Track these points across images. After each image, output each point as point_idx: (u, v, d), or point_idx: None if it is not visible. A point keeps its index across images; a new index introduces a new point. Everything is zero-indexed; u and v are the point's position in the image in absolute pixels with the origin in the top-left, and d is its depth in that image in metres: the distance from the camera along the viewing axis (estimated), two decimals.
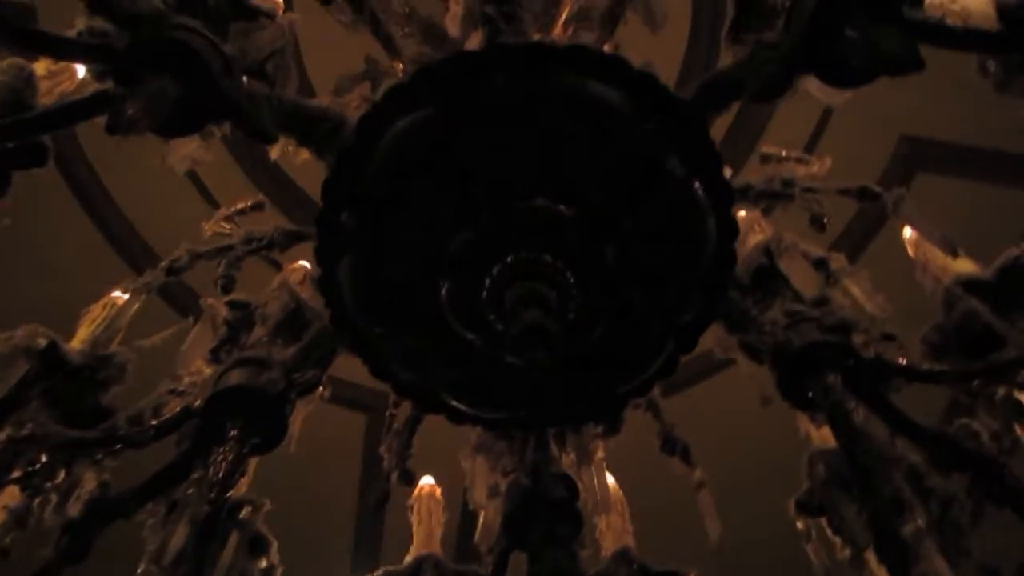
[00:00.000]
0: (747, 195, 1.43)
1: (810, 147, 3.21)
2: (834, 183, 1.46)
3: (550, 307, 1.04)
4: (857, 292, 1.45)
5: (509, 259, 1.06)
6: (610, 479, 1.87)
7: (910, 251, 1.63)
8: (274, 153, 1.22)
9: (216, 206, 1.96)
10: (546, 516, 1.43)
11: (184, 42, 1.05)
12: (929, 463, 1.39)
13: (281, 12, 1.26)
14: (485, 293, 1.08)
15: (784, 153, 1.50)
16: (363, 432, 3.50)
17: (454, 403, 1.26)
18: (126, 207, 3.11)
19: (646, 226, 1.14)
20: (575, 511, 1.45)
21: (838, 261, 1.52)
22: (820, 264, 1.53)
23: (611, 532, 1.80)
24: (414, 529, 1.73)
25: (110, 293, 1.53)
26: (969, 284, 1.37)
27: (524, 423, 1.33)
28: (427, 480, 1.81)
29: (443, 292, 1.12)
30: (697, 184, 1.15)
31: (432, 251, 1.10)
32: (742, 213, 1.68)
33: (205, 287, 1.51)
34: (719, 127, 3.38)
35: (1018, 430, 1.37)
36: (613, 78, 1.10)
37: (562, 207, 1.08)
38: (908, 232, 1.66)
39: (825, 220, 1.43)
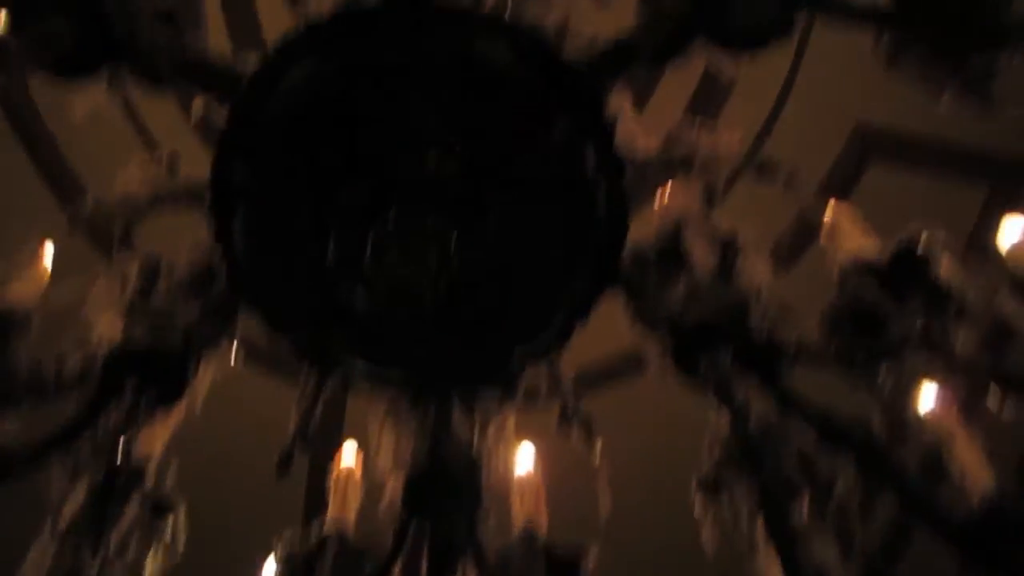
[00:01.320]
0: (645, 169, 1.45)
1: (765, 132, 3.26)
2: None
3: (426, 265, 1.06)
4: (760, 269, 1.48)
5: (391, 214, 1.09)
6: (528, 456, 1.89)
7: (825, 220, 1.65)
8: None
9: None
10: (444, 487, 1.45)
11: None
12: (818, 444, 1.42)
13: None
14: (370, 248, 1.11)
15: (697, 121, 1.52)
16: None
17: (346, 359, 1.28)
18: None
19: (533, 190, 1.16)
20: (475, 483, 1.46)
21: (746, 237, 1.55)
22: (728, 240, 1.56)
23: (522, 510, 1.82)
24: (329, 499, 1.74)
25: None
26: (864, 265, 1.41)
27: (413, 383, 1.35)
28: (347, 447, 1.82)
29: (330, 247, 1.14)
30: (588, 151, 1.18)
31: (321, 204, 1.13)
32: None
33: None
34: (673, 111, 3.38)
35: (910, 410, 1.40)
36: (505, 41, 1.13)
37: (447, 165, 1.11)
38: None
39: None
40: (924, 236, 1.39)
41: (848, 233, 1.58)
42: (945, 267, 1.35)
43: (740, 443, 1.44)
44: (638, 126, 1.57)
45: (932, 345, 1.30)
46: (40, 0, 1.06)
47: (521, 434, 1.69)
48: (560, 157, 1.16)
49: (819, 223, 1.46)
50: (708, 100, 3.15)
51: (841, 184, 3.28)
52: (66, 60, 1.06)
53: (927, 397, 1.52)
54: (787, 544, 1.43)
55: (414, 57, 1.10)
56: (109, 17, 1.08)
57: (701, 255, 1.44)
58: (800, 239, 2.68)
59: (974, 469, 1.50)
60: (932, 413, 1.55)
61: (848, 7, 1.13)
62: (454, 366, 1.32)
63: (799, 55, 3.16)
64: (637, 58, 1.20)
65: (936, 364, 1.30)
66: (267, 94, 1.11)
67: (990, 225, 3.56)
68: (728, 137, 1.50)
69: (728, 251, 1.54)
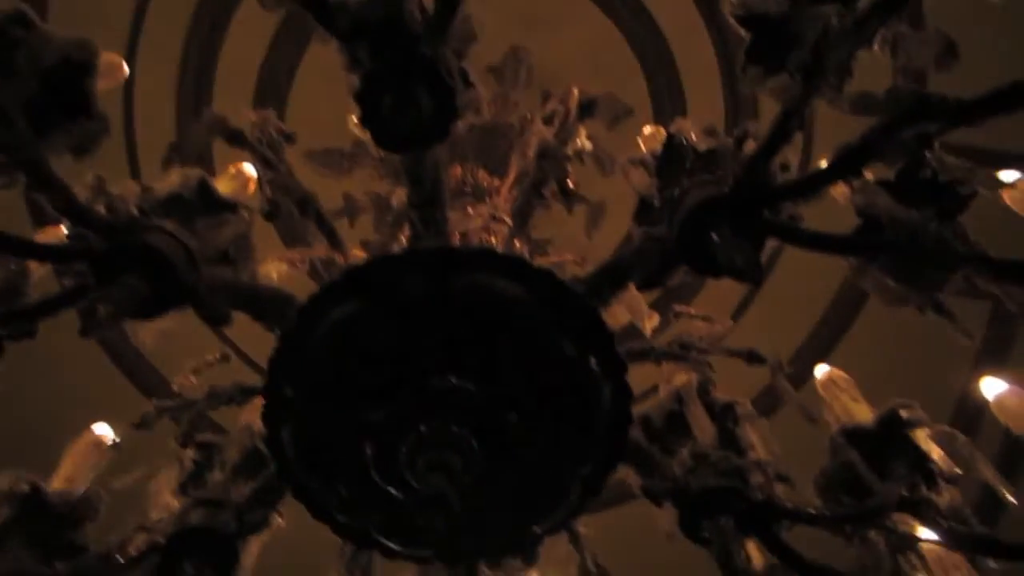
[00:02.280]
0: (648, 356, 1.61)
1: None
2: (728, 346, 1.65)
3: (454, 472, 1.22)
4: (755, 438, 1.63)
5: (421, 428, 1.25)
6: None
7: (821, 391, 1.80)
8: None
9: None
10: None
11: (153, 245, 1.26)
12: None
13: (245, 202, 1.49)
14: (402, 457, 1.27)
15: (692, 311, 1.70)
16: None
17: (383, 541, 1.43)
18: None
19: (545, 397, 1.33)
20: None
21: (743, 407, 1.70)
22: (727, 409, 1.71)
23: None
24: None
25: (92, 430, 1.71)
26: (851, 433, 1.55)
27: (446, 559, 1.50)
28: None
29: (368, 454, 1.31)
30: (592, 359, 1.35)
31: (359, 420, 1.30)
32: None
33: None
34: None
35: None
36: (514, 275, 1.30)
37: (468, 384, 1.28)
38: (820, 373, 1.84)
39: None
40: (907, 408, 1.54)
41: (838, 399, 1.73)
42: (925, 436, 1.49)
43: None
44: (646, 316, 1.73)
45: (916, 509, 1.43)
46: (117, 260, 1.24)
47: None
48: (566, 368, 1.32)
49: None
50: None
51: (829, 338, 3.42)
52: (141, 308, 1.24)
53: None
54: None
55: (440, 293, 1.27)
56: (175, 268, 1.26)
57: (702, 425, 1.59)
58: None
59: None
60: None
61: (814, 239, 1.29)
62: (478, 544, 1.46)
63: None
64: (630, 278, 1.37)
65: (922, 526, 1.42)
66: (311, 326, 1.29)
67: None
68: (720, 326, 1.67)
69: (727, 420, 1.70)
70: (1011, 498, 1.43)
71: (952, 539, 1.39)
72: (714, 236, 1.29)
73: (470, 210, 1.93)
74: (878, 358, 3.24)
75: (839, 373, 1.80)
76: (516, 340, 1.31)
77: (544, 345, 1.32)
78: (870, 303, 3.36)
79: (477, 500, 1.39)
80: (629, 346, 1.50)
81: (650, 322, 1.67)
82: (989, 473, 1.50)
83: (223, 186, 1.60)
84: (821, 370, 1.84)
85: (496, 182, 2.44)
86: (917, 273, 1.30)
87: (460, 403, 1.28)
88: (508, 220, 1.89)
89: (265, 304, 1.36)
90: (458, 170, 2.50)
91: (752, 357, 1.69)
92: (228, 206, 1.42)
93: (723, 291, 3.44)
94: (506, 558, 1.54)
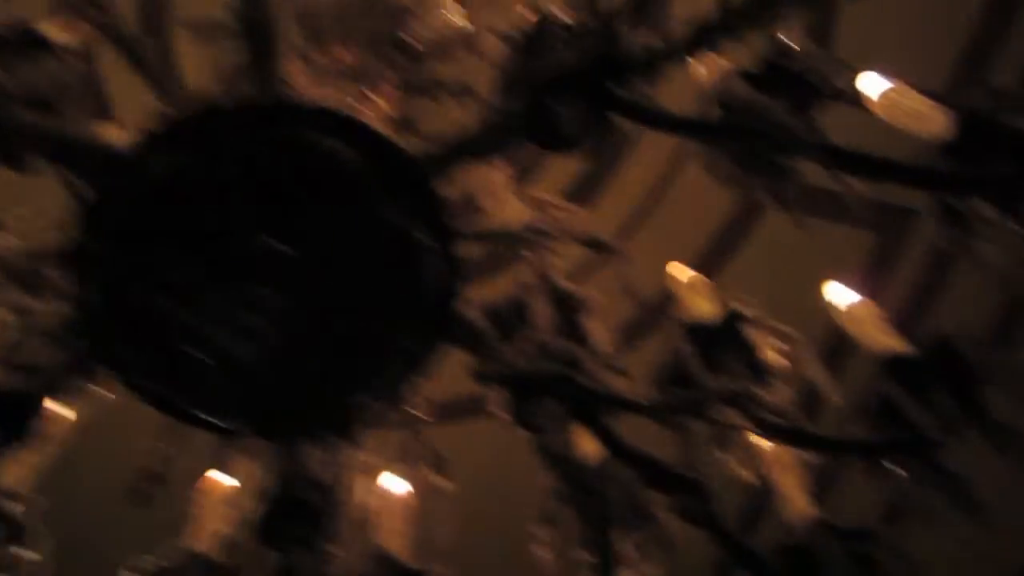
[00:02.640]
0: (490, 237, 1.56)
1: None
2: (577, 232, 1.61)
3: (257, 336, 1.15)
4: (596, 329, 1.60)
5: (229, 289, 1.18)
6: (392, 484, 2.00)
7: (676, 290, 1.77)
8: None
9: None
10: (293, 519, 1.55)
11: None
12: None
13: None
14: (210, 318, 1.19)
15: (550, 199, 1.64)
16: None
17: (195, 413, 1.36)
18: None
19: (368, 266, 1.26)
20: (322, 515, 1.56)
21: (589, 297, 1.67)
22: (571, 299, 1.68)
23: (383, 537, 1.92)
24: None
25: None
26: (692, 328, 1.54)
27: (261, 432, 1.44)
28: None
29: (178, 315, 1.22)
30: (420, 230, 1.28)
31: (169, 278, 1.21)
32: None
33: None
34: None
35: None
36: (344, 134, 1.22)
37: (283, 245, 1.20)
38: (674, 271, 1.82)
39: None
40: (743, 306, 1.53)
41: (692, 298, 1.71)
42: (760, 334, 1.49)
43: (570, 485, 1.57)
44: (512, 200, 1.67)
45: (741, 404, 1.44)
46: None
47: (388, 463, 1.81)
48: (393, 237, 1.26)
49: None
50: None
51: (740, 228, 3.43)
52: None
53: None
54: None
55: (263, 148, 1.18)
56: None
57: (542, 312, 1.55)
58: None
59: (796, 501, 1.66)
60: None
61: (659, 119, 1.24)
62: (295, 418, 1.41)
63: None
64: (471, 151, 1.30)
65: (745, 422, 1.43)
66: (127, 178, 1.19)
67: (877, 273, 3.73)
68: (580, 215, 1.62)
69: (571, 309, 1.67)
70: (836, 397, 1.45)
71: (767, 430, 1.40)
72: (556, 108, 1.22)
73: (342, 89, 1.80)
74: (768, 279, 3.28)
75: (694, 274, 1.79)
76: (341, 203, 1.23)
77: (371, 211, 1.25)
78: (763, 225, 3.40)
79: (291, 370, 1.33)
80: (468, 224, 1.44)
81: (510, 206, 1.62)
82: (818, 374, 1.51)
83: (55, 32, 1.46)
84: (675, 268, 1.82)
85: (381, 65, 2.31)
86: (763, 161, 1.26)
87: (275, 265, 1.20)
88: (383, 103, 1.77)
89: (81, 156, 1.24)
90: (340, 49, 2.37)
91: (597, 245, 1.66)
92: (50, 48, 1.29)
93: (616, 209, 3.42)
94: (326, 435, 1.49)
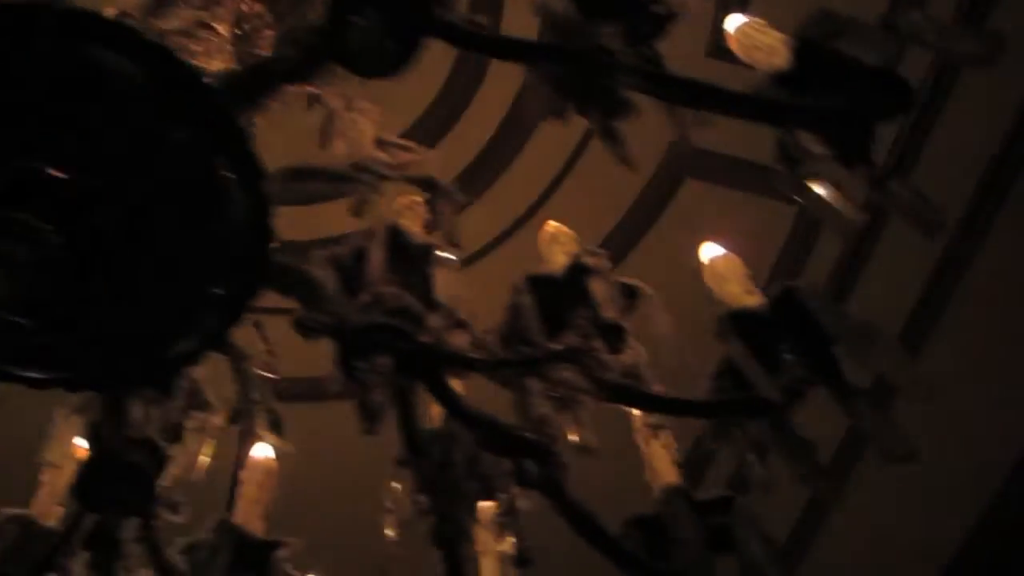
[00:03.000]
0: (318, 178, 1.46)
1: (577, 153, 3.29)
2: (409, 172, 1.51)
3: (16, 267, 1.05)
4: (445, 283, 1.51)
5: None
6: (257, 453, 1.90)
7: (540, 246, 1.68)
8: None
9: None
10: (113, 481, 1.45)
11: None
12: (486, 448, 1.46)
13: None
14: None
15: (396, 139, 1.54)
16: None
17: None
18: None
19: (162, 202, 1.16)
20: (147, 477, 1.46)
21: (443, 252, 1.58)
22: (422, 251, 1.58)
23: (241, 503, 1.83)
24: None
25: None
26: (536, 280, 1.45)
27: (68, 386, 1.33)
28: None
29: None
30: (223, 163, 1.18)
31: None
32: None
33: None
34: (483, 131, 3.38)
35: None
36: (129, 49, 1.11)
37: (61, 172, 1.09)
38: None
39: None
40: (591, 257, 1.44)
41: (554, 252, 1.62)
42: (605, 290, 1.40)
43: (408, 446, 1.48)
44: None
45: (581, 361, 1.35)
46: None
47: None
48: (190, 170, 1.15)
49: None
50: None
51: (655, 199, 3.34)
52: None
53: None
54: (453, 544, 1.48)
55: (38, 61, 1.08)
56: None
57: (377, 263, 1.45)
58: None
59: (661, 471, 1.58)
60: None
61: (472, 40, 1.15)
62: (103, 370, 1.30)
63: None
64: (274, 80, 1.20)
65: (582, 382, 1.34)
66: None
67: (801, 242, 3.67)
68: (415, 154, 1.52)
69: (420, 262, 1.57)
70: (674, 356, 1.37)
71: (604, 389, 1.31)
72: (361, 25, 1.13)
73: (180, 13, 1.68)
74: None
75: (562, 228, 1.70)
76: (131, 130, 1.13)
77: (164, 140, 1.14)
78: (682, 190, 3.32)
79: (86, 319, 1.22)
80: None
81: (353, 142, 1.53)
82: (664, 330, 1.43)
83: None
84: (550, 226, 1.74)
85: None
86: (589, 89, 1.17)
87: (43, 191, 1.09)
88: (223, 31, 1.67)
89: None
90: None
91: (429, 185, 1.56)
92: None
93: (535, 170, 3.34)
94: (140, 388, 1.39)
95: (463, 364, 1.37)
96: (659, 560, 1.46)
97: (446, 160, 3.23)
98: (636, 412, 1.62)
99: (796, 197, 1.18)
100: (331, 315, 1.38)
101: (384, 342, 1.37)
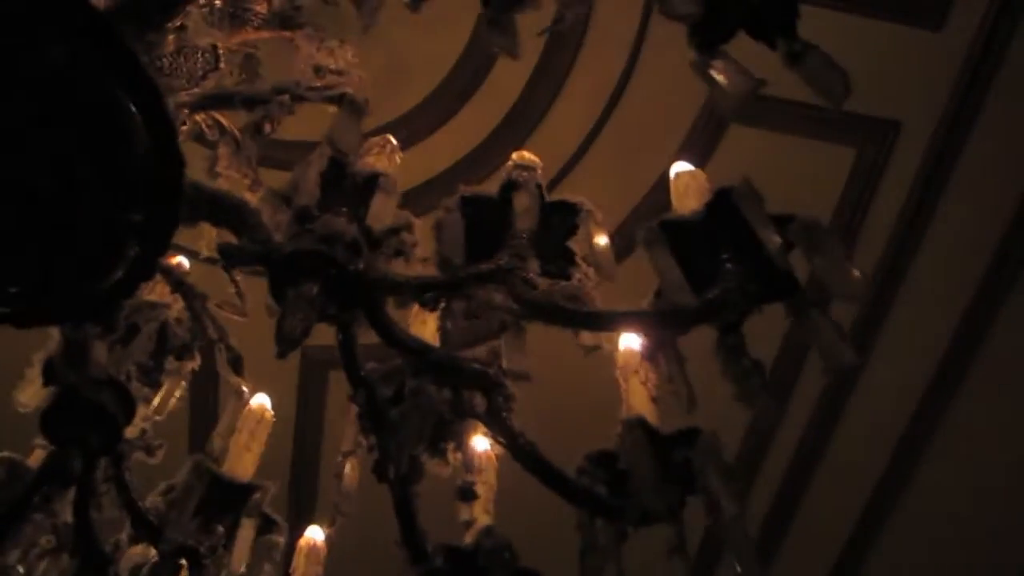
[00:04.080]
0: (228, 102, 1.43)
1: (617, 94, 3.17)
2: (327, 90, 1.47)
3: None
4: (385, 209, 1.46)
5: None
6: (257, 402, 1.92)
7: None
8: None
9: None
10: (77, 418, 1.48)
11: None
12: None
13: None
14: None
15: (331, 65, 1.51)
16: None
17: None
18: None
19: (56, 130, 1.16)
20: (110, 419, 1.48)
21: (387, 180, 1.53)
22: (369, 180, 1.54)
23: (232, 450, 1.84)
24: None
25: None
26: (465, 199, 1.38)
27: (4, 320, 1.36)
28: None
29: None
30: (118, 89, 1.17)
31: None
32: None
33: None
34: (520, 73, 3.32)
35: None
36: None
37: None
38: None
39: (268, 126, 1.43)
40: (524, 172, 1.36)
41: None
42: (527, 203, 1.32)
43: (351, 380, 1.44)
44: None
45: (507, 281, 1.27)
46: None
47: None
48: (82, 95, 1.15)
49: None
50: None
51: (703, 140, 3.18)
52: None
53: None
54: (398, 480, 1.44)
55: None
56: None
57: (309, 187, 1.42)
58: None
59: (636, 405, 1.49)
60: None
61: None
62: (46, 305, 1.33)
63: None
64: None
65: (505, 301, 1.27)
66: None
67: (858, 186, 3.47)
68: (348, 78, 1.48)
69: (366, 189, 1.53)
70: (608, 272, 1.27)
71: (527, 307, 1.23)
72: None
73: None
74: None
75: (534, 158, 1.62)
76: (17, 54, 1.13)
77: (53, 63, 1.14)
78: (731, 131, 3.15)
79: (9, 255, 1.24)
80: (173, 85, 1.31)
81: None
82: (600, 247, 1.34)
83: None
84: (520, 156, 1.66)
85: None
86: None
87: None
88: None
89: None
90: None
91: (344, 100, 1.50)
92: None
93: (571, 121, 3.23)
94: (82, 321, 1.40)
95: (389, 288, 1.32)
96: (620, 496, 1.38)
97: (476, 119, 3.19)
98: (620, 348, 1.53)
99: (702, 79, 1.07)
100: (260, 243, 1.36)
101: (310, 269, 1.33)
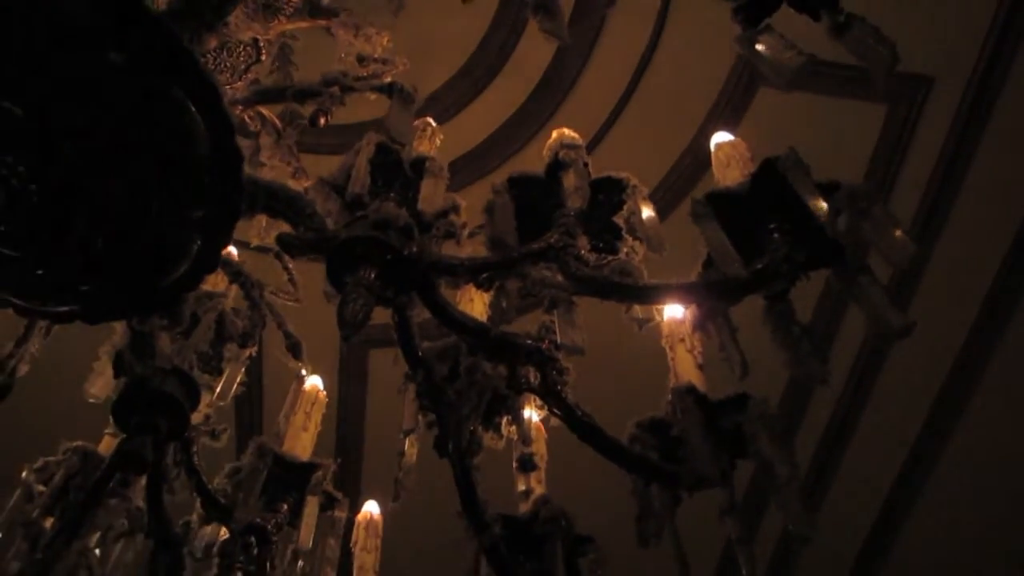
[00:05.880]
0: (282, 95, 1.47)
1: (645, 61, 3.17)
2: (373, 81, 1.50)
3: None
4: (435, 192, 1.50)
5: None
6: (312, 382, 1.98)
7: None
8: None
9: None
10: (146, 405, 1.54)
11: None
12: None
13: None
14: None
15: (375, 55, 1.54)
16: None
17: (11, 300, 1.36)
18: None
19: (122, 131, 1.20)
20: (178, 406, 1.54)
21: (435, 163, 1.56)
22: (417, 163, 1.57)
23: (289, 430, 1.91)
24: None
25: None
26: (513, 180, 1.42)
27: (77, 317, 1.42)
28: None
29: None
30: (178, 88, 1.21)
31: None
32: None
33: None
34: (547, 47, 3.33)
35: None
36: None
37: (15, 107, 1.15)
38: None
39: (323, 118, 1.47)
40: (570, 150, 1.39)
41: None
42: (576, 182, 1.35)
43: (408, 360, 1.49)
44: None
45: (558, 259, 1.31)
46: None
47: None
48: (145, 97, 1.19)
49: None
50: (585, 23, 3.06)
51: (732, 104, 3.18)
52: None
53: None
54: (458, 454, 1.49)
55: None
56: None
57: (360, 176, 1.46)
58: None
59: (684, 374, 1.53)
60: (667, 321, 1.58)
61: None
62: (113, 301, 1.38)
63: None
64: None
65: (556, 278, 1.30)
66: None
67: (889, 144, 3.46)
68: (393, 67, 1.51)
69: (416, 171, 1.56)
70: (657, 245, 1.30)
71: (577, 282, 1.27)
72: None
73: None
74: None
75: (575, 135, 1.65)
76: (81, 61, 1.18)
77: (115, 69, 1.19)
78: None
79: (76, 253, 1.29)
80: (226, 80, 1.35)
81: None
82: (647, 222, 1.37)
83: None
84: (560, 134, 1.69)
85: None
86: None
87: (10, 130, 1.16)
88: None
89: None
90: None
91: (394, 90, 1.54)
92: None
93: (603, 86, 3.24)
94: (152, 317, 1.46)
95: (444, 271, 1.36)
96: (672, 462, 1.42)
97: (505, 94, 3.21)
98: (664, 318, 1.57)
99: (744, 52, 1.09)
100: (316, 231, 1.40)
101: (366, 254, 1.37)
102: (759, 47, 1.06)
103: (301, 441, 1.88)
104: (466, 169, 3.09)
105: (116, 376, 1.53)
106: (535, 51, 3.08)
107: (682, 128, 3.15)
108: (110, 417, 1.66)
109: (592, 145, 3.18)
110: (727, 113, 3.13)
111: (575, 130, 1.70)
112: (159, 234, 1.32)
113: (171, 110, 1.23)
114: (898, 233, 1.11)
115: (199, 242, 1.35)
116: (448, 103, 3.14)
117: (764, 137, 3.19)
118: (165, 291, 1.40)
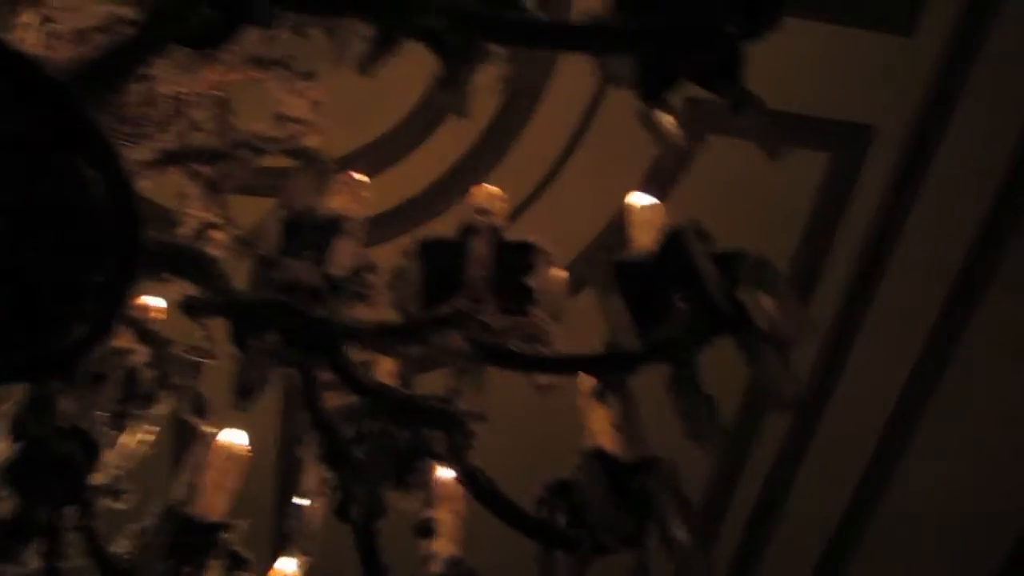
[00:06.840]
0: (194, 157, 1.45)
1: (588, 115, 3.20)
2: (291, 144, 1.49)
3: None
4: (346, 254, 1.48)
5: None
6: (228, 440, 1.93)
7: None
8: None
9: None
10: (40, 470, 1.49)
11: None
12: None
13: None
14: None
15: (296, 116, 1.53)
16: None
17: None
18: None
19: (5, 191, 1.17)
20: (75, 468, 1.49)
21: (353, 223, 1.55)
22: (332, 222, 1.56)
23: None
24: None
25: None
26: (425, 245, 1.41)
27: None
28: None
29: None
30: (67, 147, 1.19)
31: None
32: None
33: None
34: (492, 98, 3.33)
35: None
36: None
37: None
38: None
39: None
40: (483, 216, 1.39)
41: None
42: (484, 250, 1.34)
43: (314, 422, 1.46)
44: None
45: (464, 327, 1.30)
46: None
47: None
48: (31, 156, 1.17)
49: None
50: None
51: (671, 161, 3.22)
52: None
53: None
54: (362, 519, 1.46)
55: None
56: None
57: (271, 238, 1.44)
58: None
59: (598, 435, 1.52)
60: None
61: None
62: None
63: None
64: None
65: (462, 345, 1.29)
66: None
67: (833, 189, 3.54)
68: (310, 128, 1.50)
69: (328, 232, 1.55)
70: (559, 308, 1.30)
71: (483, 352, 1.26)
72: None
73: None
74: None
75: (495, 191, 1.65)
76: None
77: (5, 129, 1.16)
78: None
79: None
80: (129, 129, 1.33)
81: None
82: (557, 282, 1.37)
83: None
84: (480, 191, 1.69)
85: None
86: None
87: None
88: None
89: None
90: None
91: (302, 156, 1.53)
92: None
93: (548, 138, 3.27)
94: (45, 377, 1.42)
95: (348, 335, 1.34)
96: (580, 526, 1.41)
97: (449, 143, 3.22)
98: (582, 375, 1.56)
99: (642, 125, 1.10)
100: (221, 294, 1.38)
101: (271, 318, 1.35)
102: (654, 120, 1.08)
103: (216, 500, 1.83)
104: (407, 217, 3.10)
105: (15, 440, 1.48)
106: (482, 103, 3.09)
107: (627, 181, 3.19)
108: None
109: (535, 195, 3.20)
110: (674, 161, 3.16)
111: (516, 181, 1.69)
112: (54, 298, 1.29)
113: (67, 172, 1.20)
114: (800, 309, 1.12)
115: (96, 304, 1.32)
116: (392, 150, 3.15)
117: (710, 184, 3.24)
118: (59, 356, 1.36)
